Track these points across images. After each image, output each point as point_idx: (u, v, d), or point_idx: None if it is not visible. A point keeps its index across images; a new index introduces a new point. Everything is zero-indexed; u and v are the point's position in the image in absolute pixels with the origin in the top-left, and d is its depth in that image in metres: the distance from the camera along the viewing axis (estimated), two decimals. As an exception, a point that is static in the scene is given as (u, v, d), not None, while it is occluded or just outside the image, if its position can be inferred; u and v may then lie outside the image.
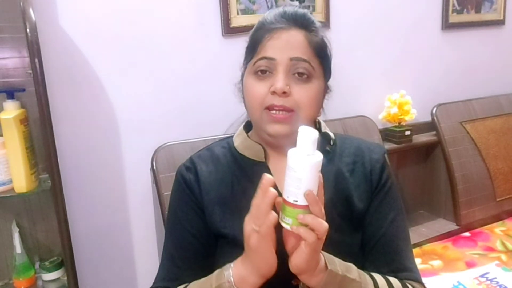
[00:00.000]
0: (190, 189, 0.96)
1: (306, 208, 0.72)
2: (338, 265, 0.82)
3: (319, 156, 0.72)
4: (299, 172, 0.70)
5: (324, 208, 0.90)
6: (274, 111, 0.87)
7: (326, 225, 0.73)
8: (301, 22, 0.89)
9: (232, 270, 0.81)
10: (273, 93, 0.87)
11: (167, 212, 1.05)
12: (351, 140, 1.05)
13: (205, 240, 0.95)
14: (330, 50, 0.94)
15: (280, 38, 0.87)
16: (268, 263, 0.77)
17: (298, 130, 0.72)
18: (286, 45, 0.87)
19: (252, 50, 0.91)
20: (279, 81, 0.86)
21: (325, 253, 0.82)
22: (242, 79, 0.97)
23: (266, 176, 0.74)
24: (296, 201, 0.72)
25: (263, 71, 0.88)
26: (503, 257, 1.80)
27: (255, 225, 0.74)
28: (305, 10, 0.92)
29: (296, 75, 0.88)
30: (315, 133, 0.71)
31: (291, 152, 0.72)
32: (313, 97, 0.90)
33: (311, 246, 0.73)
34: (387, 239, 0.96)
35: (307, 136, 0.71)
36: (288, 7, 0.93)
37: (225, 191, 0.95)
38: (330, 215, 0.92)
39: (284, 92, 0.86)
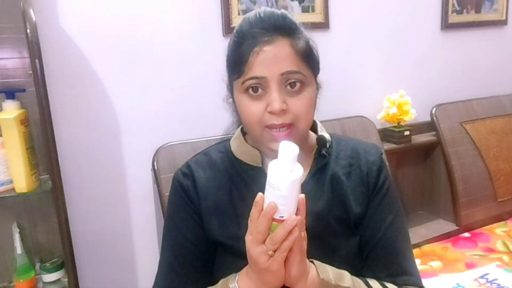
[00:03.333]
0: (188, 196, 0.94)
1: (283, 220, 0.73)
2: (331, 274, 0.82)
3: (301, 171, 0.72)
4: (285, 190, 0.71)
5: (321, 212, 0.91)
6: (275, 129, 0.85)
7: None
8: (283, 29, 0.84)
9: (237, 283, 0.81)
10: (271, 112, 0.84)
11: (165, 219, 1.03)
12: (347, 141, 1.02)
13: (204, 247, 0.94)
14: (316, 49, 0.90)
15: (266, 52, 0.82)
16: (279, 279, 0.77)
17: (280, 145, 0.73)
18: (274, 60, 0.82)
19: (237, 68, 0.86)
20: (275, 101, 0.82)
21: (317, 262, 0.82)
22: (230, 94, 0.94)
23: (259, 196, 0.74)
24: (282, 217, 0.72)
25: (255, 89, 0.84)
26: (505, 257, 1.80)
27: (268, 249, 0.73)
28: (282, 12, 0.87)
29: (289, 86, 0.84)
30: (296, 149, 0.72)
31: (273, 168, 0.72)
32: (309, 105, 0.87)
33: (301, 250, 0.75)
34: (385, 243, 0.94)
35: (289, 151, 0.71)
36: (262, 9, 0.87)
37: (222, 197, 0.94)
38: (326, 219, 0.92)
39: (282, 110, 0.83)
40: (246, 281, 0.80)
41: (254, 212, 0.74)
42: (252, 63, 0.83)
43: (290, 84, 0.84)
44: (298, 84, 0.84)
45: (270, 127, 0.85)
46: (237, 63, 0.85)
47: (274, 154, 0.87)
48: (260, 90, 0.84)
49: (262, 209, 0.73)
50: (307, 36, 0.89)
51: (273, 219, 0.73)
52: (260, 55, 0.82)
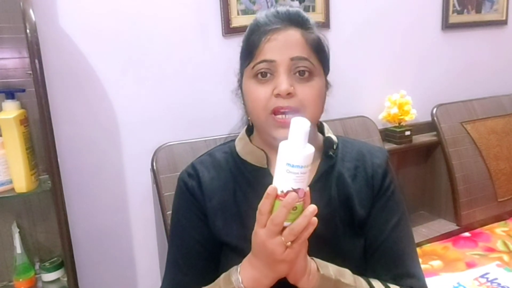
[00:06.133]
0: (193, 196, 0.95)
1: (302, 201, 0.72)
2: (331, 269, 0.82)
3: (312, 147, 0.72)
4: (305, 168, 0.70)
5: (327, 214, 0.90)
6: (280, 116, 0.86)
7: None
8: (296, 21, 0.88)
9: (240, 275, 0.80)
10: (277, 95, 0.85)
11: (170, 220, 1.03)
12: (353, 143, 1.02)
13: (211, 246, 0.94)
14: (327, 45, 0.93)
15: (278, 39, 0.85)
16: (290, 268, 0.77)
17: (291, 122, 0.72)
18: (285, 45, 0.85)
19: (248, 54, 0.89)
20: (283, 83, 0.84)
21: (317, 259, 0.82)
22: (240, 86, 0.95)
23: (272, 188, 0.72)
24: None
25: (264, 74, 0.86)
26: (505, 257, 1.79)
27: (287, 240, 0.72)
28: (298, 9, 0.91)
29: (298, 74, 0.86)
30: (308, 123, 0.71)
31: (288, 147, 0.71)
32: (317, 95, 0.88)
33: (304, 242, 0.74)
34: (389, 245, 0.94)
35: (301, 127, 0.71)
36: (280, 7, 0.91)
37: (227, 197, 0.94)
38: (332, 221, 0.91)
39: (289, 93, 0.84)
40: (249, 271, 0.80)
41: (265, 204, 0.72)
42: (263, 48, 0.86)
43: (299, 71, 0.86)
44: (307, 73, 0.87)
45: (275, 112, 0.86)
46: (249, 49, 0.89)
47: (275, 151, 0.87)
48: (268, 75, 0.87)
49: (274, 200, 0.72)
50: (320, 33, 0.91)
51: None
52: (271, 41, 0.86)
